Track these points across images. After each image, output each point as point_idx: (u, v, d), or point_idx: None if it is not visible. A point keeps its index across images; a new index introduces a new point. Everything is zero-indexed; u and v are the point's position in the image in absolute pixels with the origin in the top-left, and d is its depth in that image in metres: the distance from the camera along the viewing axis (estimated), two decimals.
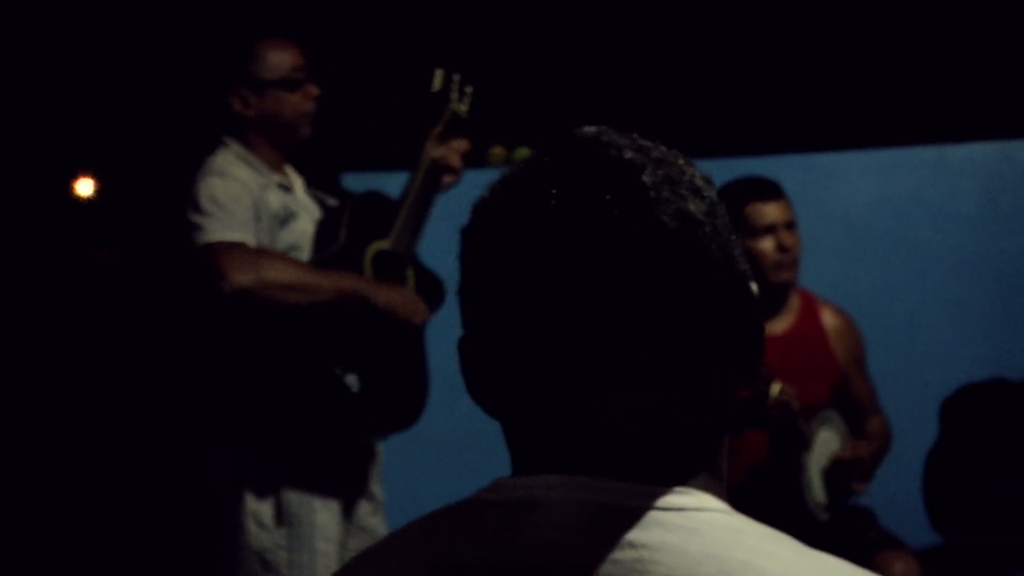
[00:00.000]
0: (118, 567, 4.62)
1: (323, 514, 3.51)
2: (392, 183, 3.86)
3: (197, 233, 3.42)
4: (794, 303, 4.16)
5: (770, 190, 4.09)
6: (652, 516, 1.03)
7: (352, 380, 3.48)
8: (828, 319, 4.22)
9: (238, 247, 3.40)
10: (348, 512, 3.59)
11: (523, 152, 5.22)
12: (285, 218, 3.59)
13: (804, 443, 3.95)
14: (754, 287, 1.10)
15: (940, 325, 5.22)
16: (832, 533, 3.84)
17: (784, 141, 5.32)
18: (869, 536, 4.02)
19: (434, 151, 3.69)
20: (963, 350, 5.15)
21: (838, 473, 4.01)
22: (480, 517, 1.08)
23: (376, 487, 3.68)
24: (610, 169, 1.07)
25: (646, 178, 1.06)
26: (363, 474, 3.63)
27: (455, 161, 3.71)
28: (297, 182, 3.73)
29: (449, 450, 4.68)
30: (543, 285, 1.05)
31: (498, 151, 5.17)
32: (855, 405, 4.19)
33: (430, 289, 3.70)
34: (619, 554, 1.01)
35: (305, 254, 3.59)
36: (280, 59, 3.64)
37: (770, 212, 4.03)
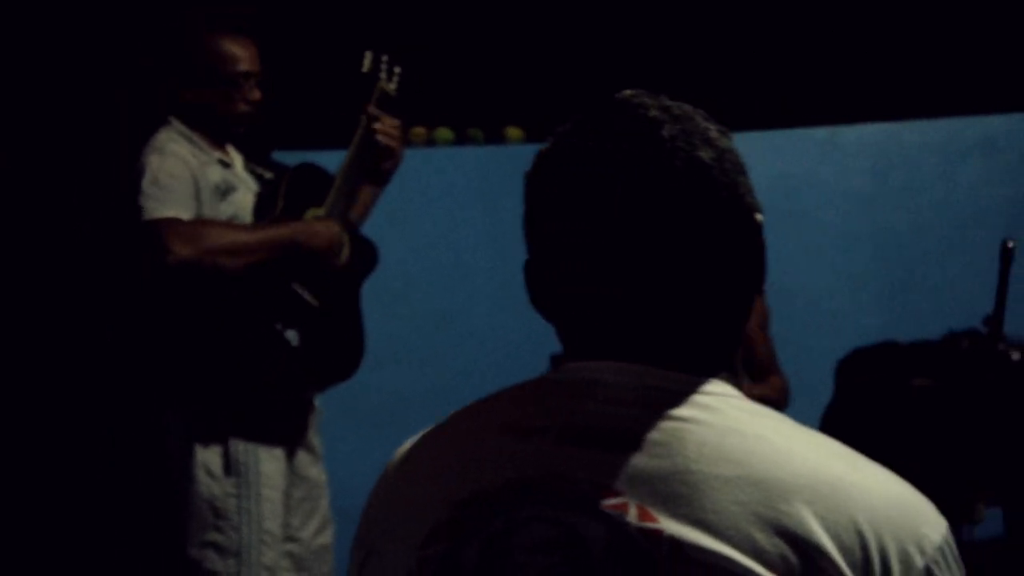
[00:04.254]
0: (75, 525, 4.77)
1: (269, 464, 3.75)
2: (331, 160, 4.07)
3: (137, 212, 3.61)
4: None
5: None
6: (688, 398, 1.33)
7: (292, 335, 3.72)
8: None
9: (176, 221, 3.59)
10: (290, 462, 3.83)
11: (444, 132, 5.47)
12: (225, 191, 3.79)
13: None
14: (759, 217, 1.39)
15: (834, 295, 5.54)
16: None
17: None
18: None
19: (366, 128, 3.92)
20: (855, 317, 5.47)
21: None
22: (548, 392, 1.38)
23: (315, 439, 3.91)
24: (636, 125, 1.36)
25: (664, 132, 1.35)
26: (303, 426, 3.87)
27: (388, 141, 3.92)
28: (237, 159, 3.94)
29: (381, 411, 4.91)
30: (589, 219, 1.35)
31: (419, 131, 5.40)
32: (758, 365, 4.50)
33: (364, 254, 3.94)
34: (663, 424, 1.31)
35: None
36: (231, 55, 3.82)
37: None
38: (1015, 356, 3.60)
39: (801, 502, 1.25)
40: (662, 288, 1.35)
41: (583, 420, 1.33)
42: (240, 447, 3.72)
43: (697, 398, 1.33)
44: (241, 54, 3.84)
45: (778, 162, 5.69)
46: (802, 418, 4.34)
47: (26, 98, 4.78)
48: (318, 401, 3.96)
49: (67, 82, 4.79)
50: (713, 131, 1.38)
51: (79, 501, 4.77)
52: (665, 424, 1.30)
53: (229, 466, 3.71)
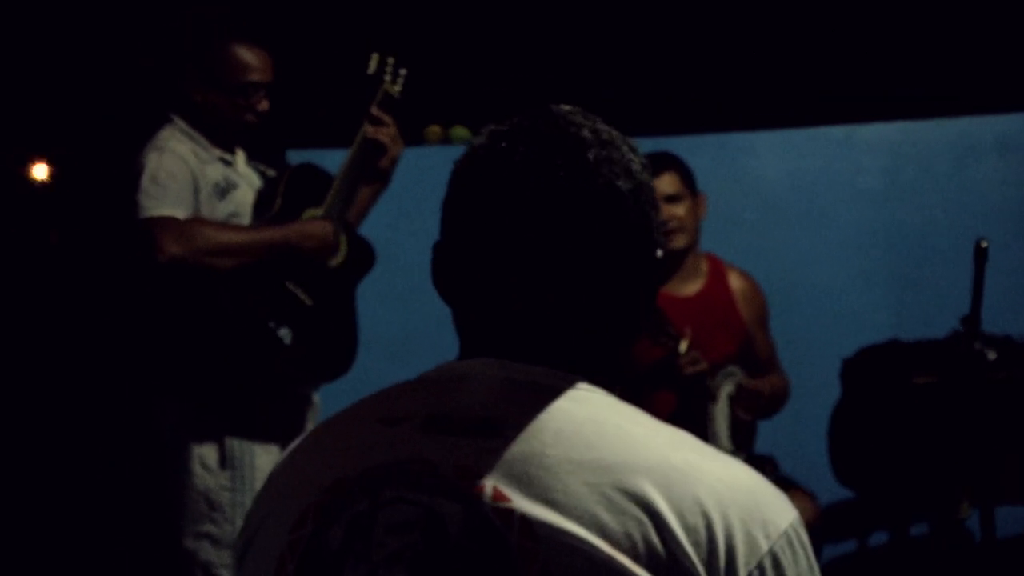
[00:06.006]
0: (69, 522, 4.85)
1: (263, 457, 3.81)
2: (333, 160, 4.12)
3: (135, 210, 3.68)
4: (704, 267, 4.51)
5: (654, 167, 4.40)
6: (553, 392, 1.40)
7: (285, 333, 3.78)
8: (735, 282, 4.57)
9: (170, 220, 3.65)
10: None
11: (460, 130, 5.51)
12: (225, 189, 3.85)
13: (711, 396, 4.29)
14: (660, 253, 1.47)
15: (845, 292, 5.54)
16: None
17: (703, 121, 5.62)
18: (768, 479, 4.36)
19: (368, 129, 3.98)
20: (865, 315, 5.47)
21: (740, 401, 4.34)
22: (422, 386, 1.47)
23: None
24: (566, 142, 1.44)
25: (591, 155, 1.43)
26: (299, 421, 3.93)
27: (384, 138, 3.97)
28: (239, 155, 3.99)
29: None
30: (499, 217, 1.42)
31: (435, 129, 5.44)
32: (757, 361, 4.53)
33: (361, 254, 4.00)
34: (525, 413, 1.38)
35: (246, 221, 3.87)
36: (246, 64, 3.85)
37: None
38: (991, 355, 3.60)
39: (648, 483, 1.31)
40: (554, 297, 1.42)
41: (448, 410, 1.41)
42: (235, 441, 3.79)
43: (561, 393, 1.40)
44: (255, 64, 3.88)
45: (793, 160, 5.70)
46: (810, 416, 4.35)
47: (29, 97, 4.85)
48: (316, 396, 4.02)
49: (69, 81, 4.85)
50: (636, 163, 1.46)
51: (74, 494, 4.84)
52: (526, 413, 1.38)
53: (224, 460, 3.78)
